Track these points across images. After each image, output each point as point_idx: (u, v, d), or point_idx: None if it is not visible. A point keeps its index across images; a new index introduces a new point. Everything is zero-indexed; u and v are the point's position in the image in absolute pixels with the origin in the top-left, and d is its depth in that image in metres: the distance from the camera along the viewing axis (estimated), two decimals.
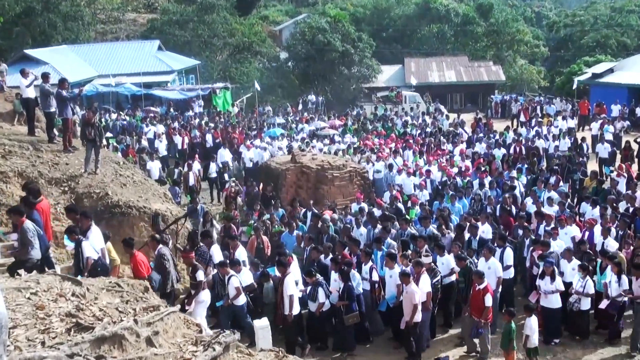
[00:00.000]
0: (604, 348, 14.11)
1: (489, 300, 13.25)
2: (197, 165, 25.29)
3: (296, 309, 13.73)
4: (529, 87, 60.26)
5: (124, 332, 6.85)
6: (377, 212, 18.88)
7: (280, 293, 13.78)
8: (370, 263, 14.75)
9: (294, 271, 14.53)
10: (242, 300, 13.73)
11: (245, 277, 14.21)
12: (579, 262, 14.65)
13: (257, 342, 12.18)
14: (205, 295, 13.03)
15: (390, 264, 14.22)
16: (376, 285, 14.55)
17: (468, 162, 25.28)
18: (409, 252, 15.05)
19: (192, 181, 23.72)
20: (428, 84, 53.45)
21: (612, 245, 15.68)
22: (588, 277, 14.28)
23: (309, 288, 14.14)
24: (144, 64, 47.87)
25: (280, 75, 54.94)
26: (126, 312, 7.60)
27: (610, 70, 46.76)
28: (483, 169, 23.59)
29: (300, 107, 47.31)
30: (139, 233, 15.48)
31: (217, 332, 8.13)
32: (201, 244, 14.65)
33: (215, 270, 14.12)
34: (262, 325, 12.47)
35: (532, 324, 12.87)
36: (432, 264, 14.59)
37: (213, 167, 25.70)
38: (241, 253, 15.19)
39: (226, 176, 25.02)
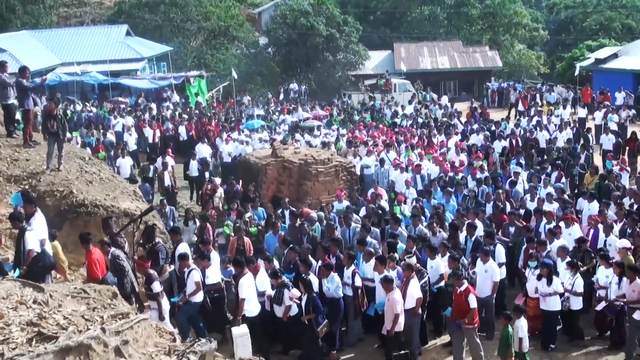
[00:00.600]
0: (608, 355, 14.26)
1: (473, 302, 13.33)
2: (172, 163, 24.84)
3: (249, 313, 13.84)
4: (527, 74, 60.47)
5: (90, 342, 6.83)
6: (363, 211, 19.00)
7: (235, 294, 13.98)
8: (352, 267, 14.75)
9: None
10: (199, 297, 13.77)
11: (212, 274, 14.31)
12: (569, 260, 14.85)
13: (236, 350, 12.20)
14: (164, 304, 13.07)
15: (379, 267, 14.23)
16: (359, 290, 14.55)
17: (464, 156, 25.21)
18: (396, 254, 15.11)
19: (167, 181, 23.36)
20: (419, 71, 53.50)
21: (614, 243, 15.76)
22: (578, 275, 14.48)
23: (274, 291, 14.14)
24: (111, 50, 47.63)
25: (259, 62, 54.85)
26: (93, 320, 7.58)
27: (615, 55, 46.97)
28: (481, 163, 23.62)
29: (281, 96, 47.29)
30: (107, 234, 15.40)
31: (192, 340, 8.13)
32: (158, 240, 14.77)
33: (173, 267, 14.23)
34: (241, 333, 12.47)
35: (522, 325, 12.97)
36: (418, 264, 14.68)
37: (193, 165, 25.39)
38: (214, 257, 15.23)
39: (207, 175, 24.74)
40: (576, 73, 39.72)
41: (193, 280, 13.67)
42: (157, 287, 12.93)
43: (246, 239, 17.18)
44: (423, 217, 18.13)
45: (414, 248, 15.56)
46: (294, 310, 13.97)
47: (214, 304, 14.37)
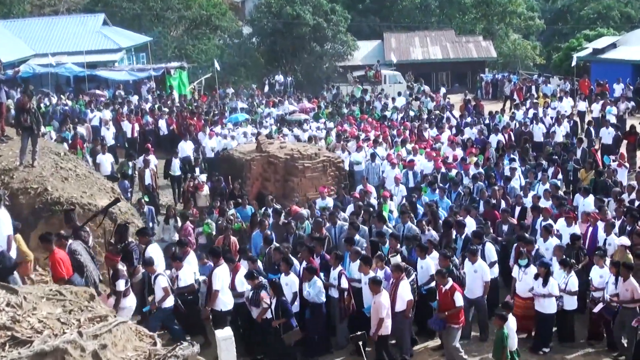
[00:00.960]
0: (606, 358, 14.37)
1: (459, 300, 13.43)
2: (153, 160, 24.61)
3: (223, 306, 14.00)
4: (523, 65, 60.63)
5: (66, 346, 6.81)
6: (350, 209, 19.06)
7: (208, 286, 14.14)
8: (339, 267, 14.73)
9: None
10: (169, 303, 13.79)
11: (185, 276, 14.35)
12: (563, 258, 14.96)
13: (220, 354, 12.20)
14: (130, 301, 13.07)
15: (364, 268, 14.19)
16: (345, 293, 14.54)
17: (459, 151, 25.18)
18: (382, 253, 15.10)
19: (148, 180, 23.22)
20: (410, 62, 53.64)
21: (614, 241, 15.81)
22: (573, 274, 14.61)
23: (251, 292, 14.15)
24: (88, 41, 47.32)
25: (243, 53, 54.73)
26: (69, 323, 7.56)
27: (613, 45, 47.27)
28: (475, 159, 23.62)
29: (266, 89, 47.20)
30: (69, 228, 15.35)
31: (174, 344, 8.12)
32: (131, 240, 14.79)
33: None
34: (225, 336, 12.46)
35: (510, 323, 12.99)
36: (404, 263, 14.69)
37: (176, 164, 25.14)
38: (191, 260, 15.26)
39: (195, 172, 24.60)
40: (573, 64, 39.89)
41: (160, 286, 13.69)
42: (121, 285, 12.96)
43: (233, 238, 17.21)
44: (413, 215, 18.12)
45: (398, 246, 15.57)
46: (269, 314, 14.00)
47: (188, 306, 14.38)
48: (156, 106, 34.83)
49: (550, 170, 22.10)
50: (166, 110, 33.88)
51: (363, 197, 20.10)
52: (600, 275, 14.55)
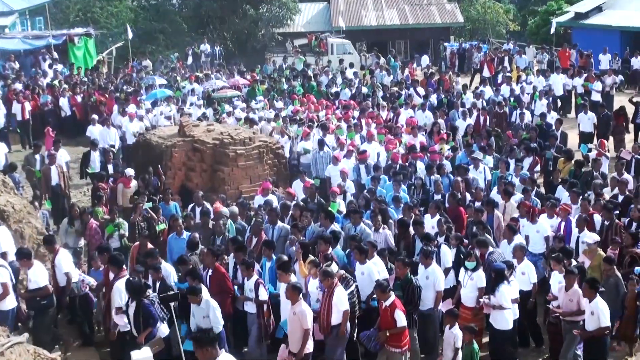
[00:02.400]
0: None
1: (400, 319, 13.24)
2: (64, 155, 23.65)
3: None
4: (494, 32, 61.38)
5: None
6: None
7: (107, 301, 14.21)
8: (255, 277, 14.57)
9: None
10: (9, 304, 13.75)
11: (36, 276, 14.29)
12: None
13: None
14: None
15: (283, 276, 13.97)
16: (264, 306, 14.43)
17: (422, 137, 25.09)
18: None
19: (55, 179, 21.95)
20: (362, 29, 53.84)
21: (588, 238, 15.95)
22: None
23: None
24: None
25: (162, 18, 54.27)
26: None
27: (598, 9, 47.27)
28: (447, 147, 23.52)
29: (189, 60, 46.90)
30: None
31: None
32: None
33: None
34: (142, 358, 12.39)
35: (458, 334, 13.18)
36: (343, 271, 14.62)
37: (96, 158, 23.95)
38: (63, 258, 15.32)
39: (110, 168, 23.45)
40: (552, 31, 40.49)
41: None
42: None
43: (148, 245, 17.06)
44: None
45: (331, 251, 15.38)
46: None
47: (40, 312, 14.41)
48: (56, 81, 34.33)
49: (528, 161, 22.09)
50: (67, 86, 33.34)
51: (313, 194, 19.98)
52: (560, 281, 14.50)
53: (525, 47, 45.33)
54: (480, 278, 14.62)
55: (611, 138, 26.28)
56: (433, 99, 31.00)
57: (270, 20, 53.75)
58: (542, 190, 22.04)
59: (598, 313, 13.20)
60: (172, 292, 13.89)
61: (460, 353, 13.19)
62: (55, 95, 31.60)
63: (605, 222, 16.96)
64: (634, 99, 28.73)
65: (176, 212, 19.15)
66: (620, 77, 35.94)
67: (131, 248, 17.14)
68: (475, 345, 13.05)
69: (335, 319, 13.52)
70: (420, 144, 24.00)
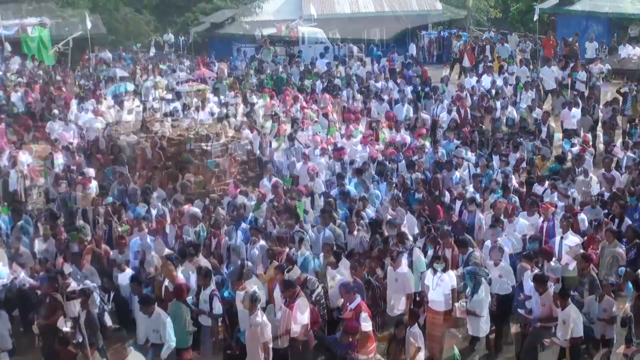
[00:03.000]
0: None
1: (366, 324, 13.33)
2: (26, 158, 23.05)
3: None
4: (474, 20, 61.53)
5: None
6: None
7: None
8: (211, 287, 14.47)
9: None
10: None
11: None
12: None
13: None
14: None
15: (238, 284, 14.06)
16: (220, 320, 14.42)
17: (405, 135, 25.07)
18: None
19: (14, 184, 21.73)
20: (335, 16, 53.83)
21: (571, 241, 16.06)
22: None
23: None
24: None
25: (122, 5, 54.04)
26: None
27: None
28: (428, 144, 23.68)
29: (152, 51, 46.75)
30: None
31: None
32: None
33: None
34: None
35: (418, 333, 13.23)
36: (305, 274, 14.70)
37: (59, 161, 23.26)
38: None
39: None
40: (535, 18, 40.51)
41: None
42: None
43: (105, 247, 17.12)
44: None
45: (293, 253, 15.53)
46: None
47: None
48: (9, 75, 34.13)
49: (514, 157, 22.22)
50: (21, 80, 33.15)
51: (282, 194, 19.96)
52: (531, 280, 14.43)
53: (507, 35, 45.37)
54: (451, 278, 14.56)
55: (599, 133, 26.46)
56: (407, 91, 31.06)
57: (237, 10, 53.59)
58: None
59: (569, 323, 13.18)
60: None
61: (422, 352, 13.13)
62: (7, 93, 31.24)
63: (594, 222, 17.09)
64: (623, 89, 28.88)
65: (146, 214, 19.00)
66: (608, 66, 35.60)
67: (86, 249, 16.96)
68: (456, 350, 13.16)
69: (295, 331, 13.44)
70: (402, 140, 24.15)
